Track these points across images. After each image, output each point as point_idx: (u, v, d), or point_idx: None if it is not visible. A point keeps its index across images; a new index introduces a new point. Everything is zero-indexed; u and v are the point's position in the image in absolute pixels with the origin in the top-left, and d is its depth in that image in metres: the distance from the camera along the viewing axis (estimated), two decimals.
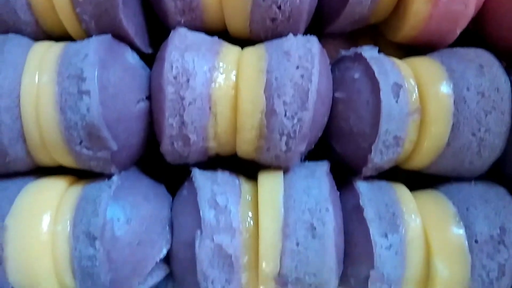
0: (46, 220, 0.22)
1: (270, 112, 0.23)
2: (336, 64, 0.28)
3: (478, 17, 0.28)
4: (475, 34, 0.31)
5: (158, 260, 0.24)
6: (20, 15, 0.25)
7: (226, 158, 0.28)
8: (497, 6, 0.28)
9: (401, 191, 0.27)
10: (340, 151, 0.27)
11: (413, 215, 0.25)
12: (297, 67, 0.24)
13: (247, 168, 0.28)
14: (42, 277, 0.22)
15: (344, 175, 0.28)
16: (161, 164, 0.27)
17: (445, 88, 0.25)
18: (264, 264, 0.23)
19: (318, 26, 0.29)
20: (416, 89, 0.26)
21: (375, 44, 0.32)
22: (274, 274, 0.23)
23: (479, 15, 0.29)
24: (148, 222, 0.23)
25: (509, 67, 0.28)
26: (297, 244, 0.23)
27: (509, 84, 0.26)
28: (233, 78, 0.24)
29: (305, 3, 0.25)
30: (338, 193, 0.26)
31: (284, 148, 0.24)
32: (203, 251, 0.23)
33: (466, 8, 0.26)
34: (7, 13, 0.25)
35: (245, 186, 0.26)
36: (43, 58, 0.23)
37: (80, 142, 0.23)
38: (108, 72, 0.23)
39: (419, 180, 0.30)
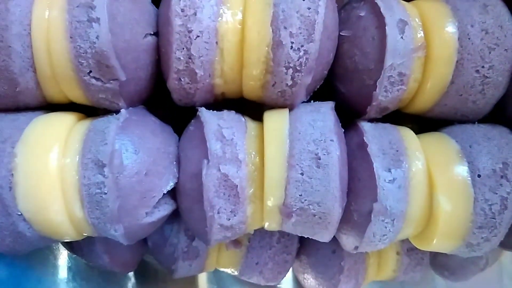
0: (55, 150, 0.23)
1: (276, 44, 0.23)
2: (342, 7, 0.28)
3: None
4: None
5: (165, 191, 0.24)
6: None
7: (232, 103, 0.28)
8: None
9: (405, 131, 0.27)
10: (345, 91, 0.27)
11: (416, 152, 0.26)
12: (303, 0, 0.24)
13: (253, 114, 0.28)
14: (51, 205, 0.23)
15: (349, 120, 0.28)
16: (169, 112, 0.27)
17: (450, 25, 0.25)
18: (269, 194, 0.23)
19: None
20: (421, 27, 0.26)
21: None
22: (279, 205, 0.24)
23: None
24: (155, 155, 0.24)
25: None
26: (302, 174, 0.23)
27: None
28: (240, 12, 0.25)
29: None
30: (343, 130, 0.26)
31: (290, 82, 0.24)
32: (210, 179, 0.23)
33: None
34: None
35: (251, 123, 0.26)
36: None
37: (89, 72, 0.23)
38: (118, 2, 0.23)
39: (423, 129, 0.30)
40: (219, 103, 0.28)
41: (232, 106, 0.28)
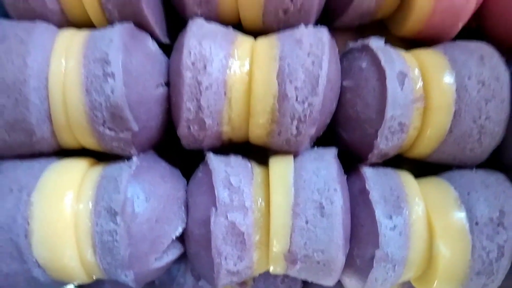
0: (69, 197, 0.24)
1: (282, 96, 0.25)
2: (344, 56, 0.29)
3: (478, 13, 0.30)
4: (476, 32, 0.32)
5: (174, 237, 0.25)
6: (48, 4, 0.27)
7: (238, 146, 0.29)
8: (496, 3, 0.29)
9: (405, 176, 0.28)
10: (347, 138, 0.29)
11: (416, 198, 0.27)
12: (308, 54, 0.25)
13: (258, 156, 0.29)
14: (65, 252, 0.24)
15: (351, 164, 0.29)
16: (177, 153, 0.29)
17: (448, 77, 0.27)
18: (274, 241, 0.24)
19: (327, 20, 0.31)
20: (420, 78, 0.27)
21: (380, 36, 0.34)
22: (284, 252, 0.25)
23: (479, 10, 0.30)
24: (165, 201, 0.25)
25: (508, 61, 0.30)
26: (307, 222, 0.24)
27: (508, 74, 0.27)
28: (247, 65, 0.26)
29: None
30: (345, 176, 0.27)
31: (294, 132, 0.26)
32: (218, 227, 0.24)
33: (467, 3, 0.28)
34: (35, 2, 0.26)
35: (257, 169, 0.27)
36: (70, 42, 0.25)
37: (104, 123, 0.24)
38: (131, 56, 0.24)
39: (422, 171, 0.31)
40: (226, 146, 0.29)
41: (238, 147, 0.29)
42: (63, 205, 0.23)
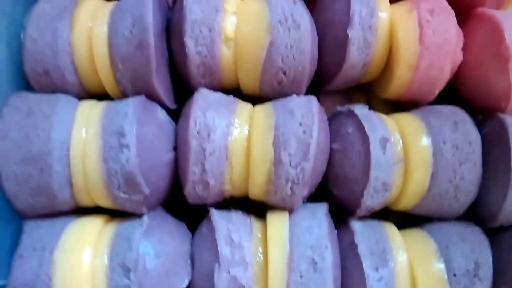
0: (87, 253, 0.27)
1: (277, 162, 0.28)
2: (333, 118, 0.33)
3: (453, 79, 0.34)
4: (452, 90, 0.36)
5: None
6: (68, 78, 0.30)
7: (239, 199, 0.32)
8: (468, 71, 0.33)
9: (391, 229, 0.31)
10: (337, 194, 0.32)
11: (400, 251, 0.30)
12: (300, 124, 0.28)
13: (256, 207, 0.32)
14: None
15: (341, 214, 0.32)
16: (182, 204, 0.31)
17: (425, 142, 0.30)
18: None
19: (318, 84, 0.35)
20: (401, 142, 0.31)
21: (367, 98, 0.38)
22: None
23: (454, 76, 0.34)
24: (173, 256, 0.27)
25: (483, 119, 0.33)
26: (301, 277, 0.27)
27: (479, 138, 0.31)
28: (246, 132, 0.29)
29: (306, 70, 0.31)
30: (336, 231, 0.30)
31: (289, 192, 0.29)
32: (221, 281, 0.27)
33: (442, 73, 0.32)
34: (56, 76, 0.30)
35: (256, 224, 0.30)
36: (89, 114, 0.29)
37: (119, 187, 0.27)
38: (144, 128, 0.28)
39: (407, 218, 0.34)
40: (228, 199, 0.32)
41: (238, 201, 0.32)
42: (81, 261, 0.26)
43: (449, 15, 0.31)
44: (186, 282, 0.28)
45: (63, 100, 0.29)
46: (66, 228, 0.28)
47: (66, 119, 0.28)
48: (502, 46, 0.31)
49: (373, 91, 0.36)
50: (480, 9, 0.34)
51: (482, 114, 0.34)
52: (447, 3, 0.32)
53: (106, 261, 0.26)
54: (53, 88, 0.31)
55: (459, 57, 0.33)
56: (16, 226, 0.30)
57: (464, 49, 0.33)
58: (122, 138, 0.26)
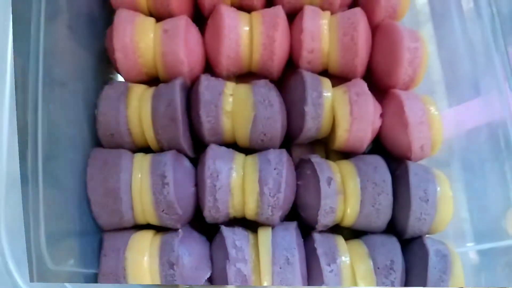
0: (146, 255, 0.39)
1: (261, 193, 0.40)
2: (299, 163, 0.45)
3: (378, 137, 0.47)
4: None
5: (204, 280, 0.40)
6: (125, 139, 0.42)
7: (240, 220, 0.45)
8: (385, 132, 0.45)
9: (339, 239, 0.44)
10: (303, 215, 0.45)
11: (345, 253, 0.42)
12: (274, 169, 0.40)
13: (251, 224, 0.44)
14: (141, 276, 0.38)
15: (307, 229, 0.45)
16: (202, 224, 0.43)
17: (355, 180, 0.42)
18: (263, 280, 0.39)
19: (289, 140, 0.48)
20: (340, 180, 0.42)
21: (325, 149, 0.50)
22: (269, 283, 0.39)
23: (377, 135, 0.46)
24: (199, 256, 0.40)
25: (397, 164, 0.44)
26: (280, 268, 0.39)
27: (390, 177, 0.42)
28: (241, 174, 0.41)
29: (278, 132, 0.42)
30: (302, 240, 0.43)
31: (270, 213, 0.41)
32: (231, 272, 0.39)
33: (366, 134, 0.43)
34: (118, 137, 0.42)
35: (251, 235, 0.43)
36: (141, 163, 0.40)
37: (163, 211, 0.40)
38: (177, 172, 0.40)
39: (353, 232, 0.46)
40: (232, 220, 0.45)
41: (240, 221, 0.45)
42: (142, 259, 0.39)
43: (368, 96, 0.42)
44: (209, 274, 0.40)
45: (124, 153, 0.41)
46: (130, 237, 0.40)
47: (127, 166, 0.40)
48: (404, 116, 0.42)
49: (328, 144, 0.49)
50: (392, 90, 0.45)
51: (397, 159, 0.45)
52: (367, 88, 0.43)
53: (158, 259, 0.39)
54: (116, 145, 0.42)
55: (378, 123, 0.44)
56: (100, 236, 0.41)
57: (382, 116, 0.44)
58: (164, 178, 0.39)
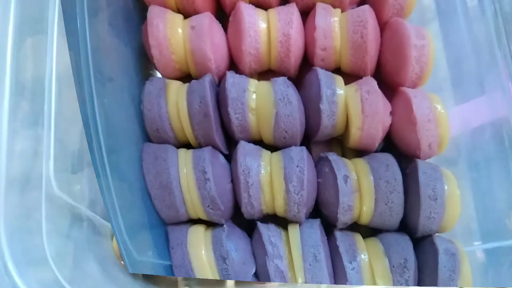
0: (202, 248, 0.38)
1: (287, 191, 0.35)
2: (318, 161, 0.38)
3: (389, 135, 0.42)
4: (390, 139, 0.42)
5: (251, 275, 0.36)
6: (169, 134, 0.38)
7: (272, 217, 0.40)
8: (395, 130, 0.39)
9: (358, 237, 0.37)
10: (324, 213, 0.38)
11: (364, 251, 0.36)
12: (297, 166, 0.35)
13: (282, 221, 0.40)
14: (204, 269, 0.36)
15: (329, 226, 0.40)
16: (242, 221, 0.40)
17: (369, 178, 0.36)
18: (297, 276, 0.35)
19: (309, 137, 0.43)
20: (356, 178, 0.36)
21: (341, 146, 0.45)
22: (302, 278, 0.34)
23: (388, 134, 0.39)
24: (244, 252, 0.35)
25: (407, 162, 0.38)
26: (310, 265, 0.34)
27: (401, 175, 0.35)
28: (269, 171, 0.36)
29: (298, 130, 0.38)
30: (326, 237, 0.36)
31: (296, 211, 0.36)
32: (271, 267, 0.34)
33: (377, 132, 0.37)
34: (163, 132, 0.38)
35: (282, 232, 0.36)
36: (185, 159, 0.35)
37: (208, 206, 0.36)
38: (215, 168, 0.34)
39: (371, 230, 0.41)
40: (266, 216, 0.40)
41: (272, 217, 0.41)
42: (202, 254, 0.37)
43: (378, 95, 0.37)
44: (254, 269, 0.36)
45: (170, 148, 0.36)
46: (187, 231, 0.37)
47: (174, 162, 0.35)
48: (412, 114, 0.37)
49: (343, 142, 0.45)
50: (400, 88, 0.39)
51: (407, 158, 0.40)
52: (377, 86, 0.37)
53: (212, 253, 0.36)
54: (162, 140, 0.37)
55: (388, 120, 0.38)
56: (165, 229, 0.38)
57: (392, 115, 0.38)
58: (205, 174, 0.34)
